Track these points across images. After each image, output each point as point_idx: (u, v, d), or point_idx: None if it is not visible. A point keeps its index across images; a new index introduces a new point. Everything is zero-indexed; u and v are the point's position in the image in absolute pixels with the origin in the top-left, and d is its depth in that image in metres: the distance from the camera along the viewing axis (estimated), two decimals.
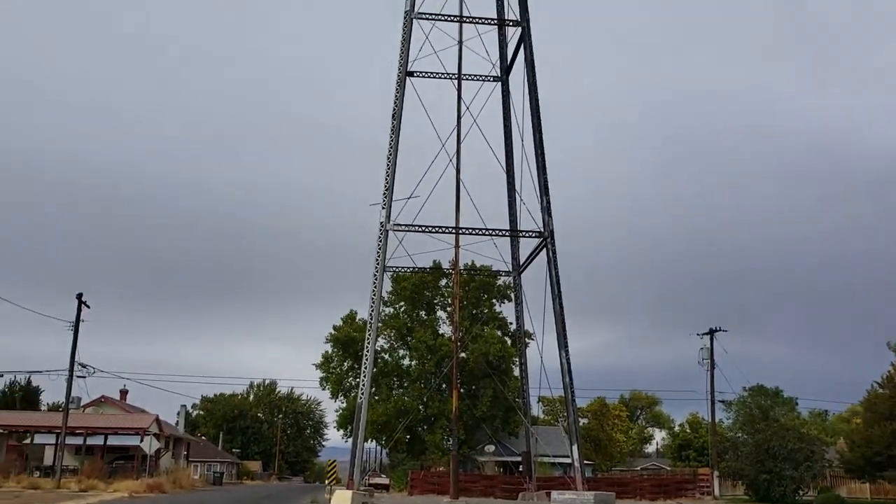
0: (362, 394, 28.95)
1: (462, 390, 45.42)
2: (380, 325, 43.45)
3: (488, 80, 32.79)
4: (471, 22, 31.34)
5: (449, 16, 30.82)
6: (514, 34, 31.97)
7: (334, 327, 56.45)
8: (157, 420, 55.03)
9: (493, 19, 32.45)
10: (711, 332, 47.28)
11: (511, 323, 51.20)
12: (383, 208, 29.23)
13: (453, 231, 30.18)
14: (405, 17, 30.27)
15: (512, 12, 31.46)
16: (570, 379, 28.40)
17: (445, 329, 53.23)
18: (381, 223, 29.17)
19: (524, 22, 30.74)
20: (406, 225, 29.33)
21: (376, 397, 49.75)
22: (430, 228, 29.62)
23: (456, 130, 30.78)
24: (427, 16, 30.48)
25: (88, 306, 42.77)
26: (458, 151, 30.76)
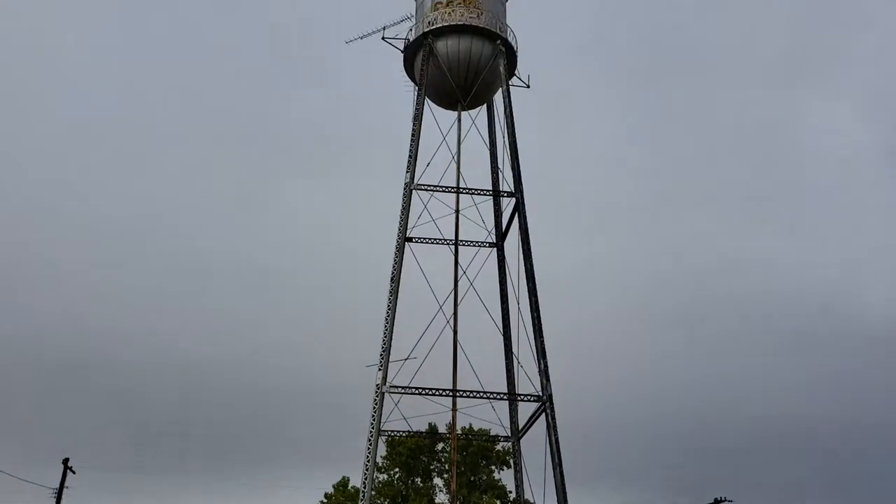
0: None
1: None
2: (373, 492, 41.54)
3: (484, 246, 34.06)
4: (467, 193, 33.18)
5: (447, 187, 32.71)
6: (508, 204, 33.74)
7: (326, 495, 53.77)
8: None
9: (488, 190, 34.38)
10: (716, 502, 45.18)
11: (510, 491, 48.96)
12: (380, 370, 29.18)
13: (450, 394, 29.90)
14: (405, 189, 32.06)
15: (506, 184, 33.43)
16: None
17: (442, 497, 50.73)
18: (377, 385, 28.97)
19: (518, 193, 32.50)
20: (402, 387, 29.13)
21: None
22: (427, 391, 29.39)
23: (453, 294, 31.55)
24: (426, 187, 32.35)
25: (74, 472, 41.08)
26: (455, 314, 31.30)
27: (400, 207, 31.82)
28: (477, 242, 33.79)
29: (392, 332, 29.89)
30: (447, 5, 33.85)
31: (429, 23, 33.86)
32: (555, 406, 28.98)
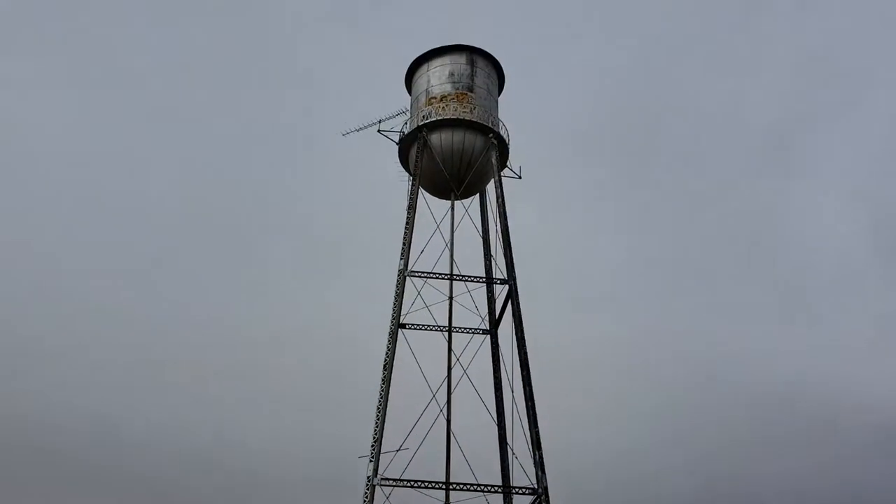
0: None
1: None
2: None
3: (478, 333, 34.00)
4: (460, 279, 33.45)
5: (440, 274, 33.02)
6: (501, 291, 33.94)
7: None
8: None
9: (481, 277, 34.67)
10: None
11: None
12: (371, 461, 28.47)
13: (443, 486, 29.08)
14: (399, 275, 32.32)
15: (500, 271, 33.76)
16: None
17: None
18: (369, 477, 28.19)
19: (511, 280, 32.78)
20: (394, 479, 28.33)
21: None
22: (420, 483, 28.59)
23: (447, 382, 31.22)
24: (419, 274, 32.64)
25: None
26: (448, 403, 30.87)
27: (393, 294, 31.99)
28: (470, 329, 33.75)
29: (384, 421, 29.36)
30: (441, 100, 35.26)
31: (423, 116, 35.15)
32: (550, 499, 28.19)
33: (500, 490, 31.03)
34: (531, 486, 28.85)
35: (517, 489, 29.99)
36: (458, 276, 33.31)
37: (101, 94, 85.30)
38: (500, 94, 37.33)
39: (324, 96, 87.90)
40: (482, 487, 29.24)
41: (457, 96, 35.21)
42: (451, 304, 33.20)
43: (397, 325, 31.59)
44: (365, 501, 27.92)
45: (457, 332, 33.08)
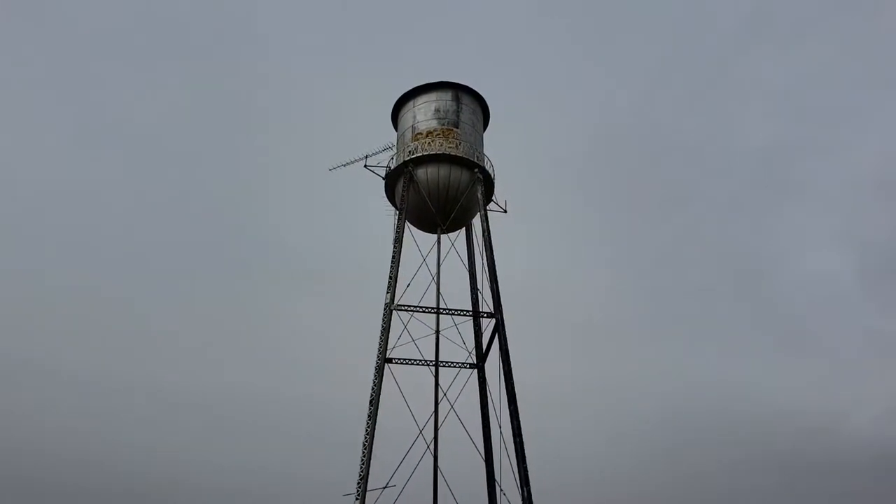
0: None
1: None
2: None
3: (465, 367, 33.81)
4: (447, 313, 33.38)
5: (426, 308, 32.93)
6: (488, 325, 33.86)
7: None
8: None
9: (468, 311, 34.62)
10: None
11: None
12: (357, 499, 27.97)
13: None
14: (385, 309, 32.19)
15: (486, 305, 33.73)
16: None
17: None
18: None
19: (497, 314, 32.74)
20: None
21: None
22: None
23: (434, 416, 30.91)
24: (406, 307, 32.54)
25: None
26: (435, 438, 30.52)
27: (380, 328, 31.83)
28: (457, 363, 33.58)
29: (370, 458, 28.95)
30: (427, 136, 35.63)
31: (409, 152, 35.47)
32: None
33: None
34: None
35: None
36: (444, 309, 33.26)
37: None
38: (485, 129, 37.81)
39: (311, 131, 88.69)
40: None
41: (443, 132, 35.61)
42: (437, 338, 33.09)
43: (384, 360, 31.36)
44: None
45: (444, 366, 32.91)
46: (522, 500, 28.85)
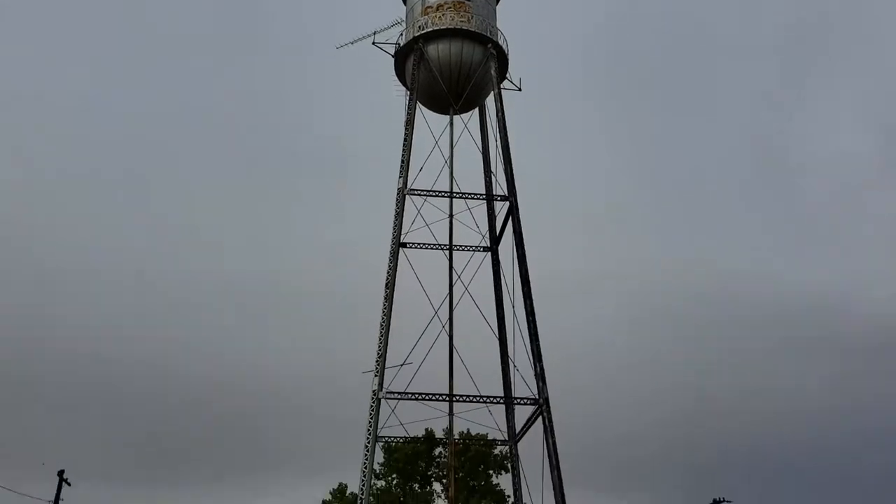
0: None
1: None
2: (371, 498, 41.38)
3: (479, 251, 33.99)
4: (461, 197, 33.13)
5: (440, 192, 32.66)
6: (502, 208, 33.68)
7: (323, 501, 53.56)
8: None
9: (481, 194, 34.34)
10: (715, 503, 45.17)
11: (509, 496, 48.86)
12: (376, 375, 29.08)
13: (447, 398, 29.83)
14: (398, 194, 31.97)
15: (500, 188, 33.39)
16: None
17: (441, 503, 50.55)
18: (374, 391, 28.88)
19: (511, 196, 32.44)
20: (399, 393, 29.04)
21: None
22: (424, 396, 29.31)
23: (448, 299, 31.47)
24: (419, 192, 32.29)
25: (70, 484, 40.75)
26: (450, 319, 31.23)
27: (393, 213, 31.76)
28: (471, 247, 33.72)
29: (388, 338, 29.79)
30: (437, 10, 33.85)
31: (419, 27, 33.85)
32: (551, 408, 28.94)
33: (502, 401, 31.89)
34: (532, 397, 29.56)
35: (519, 400, 30.77)
36: (458, 193, 33.00)
37: None
38: (497, 2, 35.82)
39: (316, 7, 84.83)
40: (485, 399, 29.99)
41: (454, 5, 33.79)
42: (451, 222, 33.07)
43: (398, 245, 31.52)
44: (371, 414, 28.72)
45: (458, 250, 33.10)
46: (535, 375, 29.87)
